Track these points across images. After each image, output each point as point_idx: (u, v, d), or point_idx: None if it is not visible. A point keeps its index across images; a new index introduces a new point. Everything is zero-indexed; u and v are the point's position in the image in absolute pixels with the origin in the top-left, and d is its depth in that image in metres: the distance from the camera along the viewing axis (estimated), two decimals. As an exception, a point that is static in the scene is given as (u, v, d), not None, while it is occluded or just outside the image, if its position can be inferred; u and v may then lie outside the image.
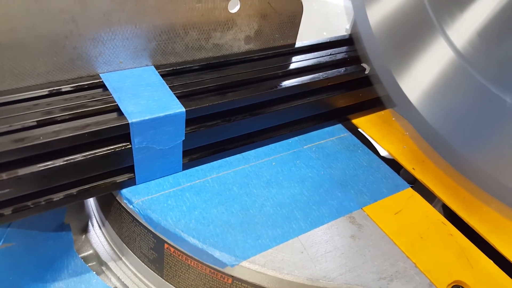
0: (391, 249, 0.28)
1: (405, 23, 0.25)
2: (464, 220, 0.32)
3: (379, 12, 0.26)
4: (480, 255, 0.29)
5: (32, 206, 0.25)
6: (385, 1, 0.26)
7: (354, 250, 0.28)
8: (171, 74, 0.31)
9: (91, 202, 0.37)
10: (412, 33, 0.25)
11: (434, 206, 0.33)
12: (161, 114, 0.26)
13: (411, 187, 0.34)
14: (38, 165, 0.24)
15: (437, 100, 0.25)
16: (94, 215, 0.36)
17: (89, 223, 0.36)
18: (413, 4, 0.25)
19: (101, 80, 0.28)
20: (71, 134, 0.24)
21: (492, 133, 0.24)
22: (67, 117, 0.25)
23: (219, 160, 0.33)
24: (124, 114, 0.26)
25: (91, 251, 0.34)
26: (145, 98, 0.27)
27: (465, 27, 0.23)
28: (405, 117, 0.27)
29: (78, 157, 0.25)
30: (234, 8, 0.32)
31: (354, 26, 0.34)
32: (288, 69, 0.35)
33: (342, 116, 0.40)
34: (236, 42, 0.34)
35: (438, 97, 0.25)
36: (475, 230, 0.31)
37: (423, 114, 0.25)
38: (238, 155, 0.34)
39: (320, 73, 0.35)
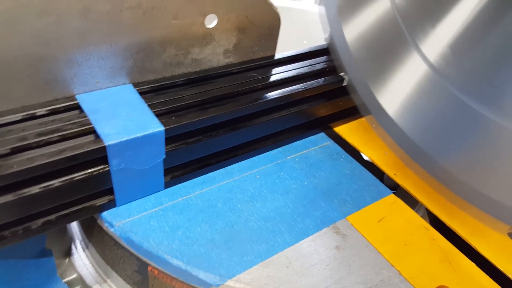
0: (375, 257, 0.29)
1: (380, 38, 0.26)
2: (446, 224, 0.32)
3: (355, 28, 0.27)
4: (462, 258, 0.30)
5: (9, 235, 0.24)
6: (360, 17, 0.27)
7: (339, 261, 0.28)
8: (149, 91, 0.30)
9: (73, 224, 0.36)
10: (387, 47, 0.26)
11: (416, 211, 0.33)
12: (139, 135, 0.26)
13: (394, 193, 0.34)
14: (14, 194, 0.23)
15: (413, 111, 0.25)
16: (77, 237, 0.35)
17: (73, 245, 0.35)
18: (386, 21, 0.25)
19: (77, 101, 0.28)
20: (46, 161, 0.23)
21: (465, 141, 0.24)
22: (42, 142, 0.24)
23: (202, 176, 0.32)
24: (100, 136, 0.25)
25: (75, 275, 0.33)
26: (122, 118, 0.27)
27: (436, 41, 0.24)
28: (383, 127, 0.28)
29: (55, 183, 0.24)
30: (211, 23, 0.32)
31: (330, 38, 0.34)
32: (268, 81, 0.35)
33: (324, 125, 0.40)
34: (215, 56, 0.34)
35: (414, 108, 0.25)
36: (457, 234, 0.31)
37: (400, 125, 0.26)
38: (221, 169, 0.34)
39: (300, 84, 0.35)
